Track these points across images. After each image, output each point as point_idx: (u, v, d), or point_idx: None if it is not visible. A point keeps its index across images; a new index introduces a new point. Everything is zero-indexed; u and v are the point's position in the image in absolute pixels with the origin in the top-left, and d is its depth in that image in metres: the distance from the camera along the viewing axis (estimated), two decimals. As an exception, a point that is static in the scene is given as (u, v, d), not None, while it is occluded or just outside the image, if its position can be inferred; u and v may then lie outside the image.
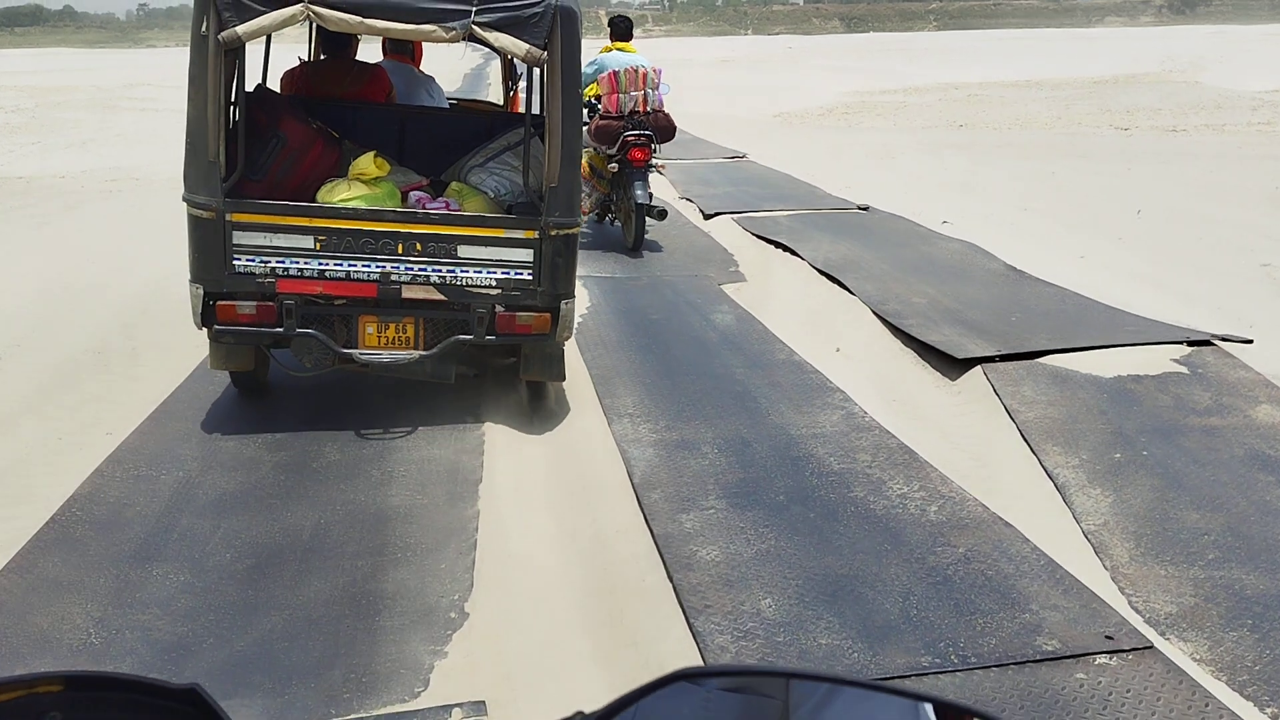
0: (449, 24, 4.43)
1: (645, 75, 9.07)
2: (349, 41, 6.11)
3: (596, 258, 9.25)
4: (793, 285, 8.16)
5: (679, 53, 52.89)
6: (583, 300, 7.74)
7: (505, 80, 7.76)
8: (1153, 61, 39.07)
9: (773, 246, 9.19)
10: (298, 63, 6.23)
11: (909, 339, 6.51)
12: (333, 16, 4.37)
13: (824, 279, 8.00)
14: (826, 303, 7.57)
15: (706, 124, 22.52)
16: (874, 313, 7.04)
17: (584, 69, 9.11)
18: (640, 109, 9.07)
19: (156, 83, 36.40)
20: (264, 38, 4.95)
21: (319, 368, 4.97)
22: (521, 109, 5.93)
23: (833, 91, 32.24)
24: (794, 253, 8.77)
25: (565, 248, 4.78)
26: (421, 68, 6.90)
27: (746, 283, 8.48)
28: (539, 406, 5.65)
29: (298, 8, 4.34)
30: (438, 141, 5.77)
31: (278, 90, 5.79)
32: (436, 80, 6.93)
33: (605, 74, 9.03)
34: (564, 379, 5.53)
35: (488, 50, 4.98)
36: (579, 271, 7.95)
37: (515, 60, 8.20)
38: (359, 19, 4.38)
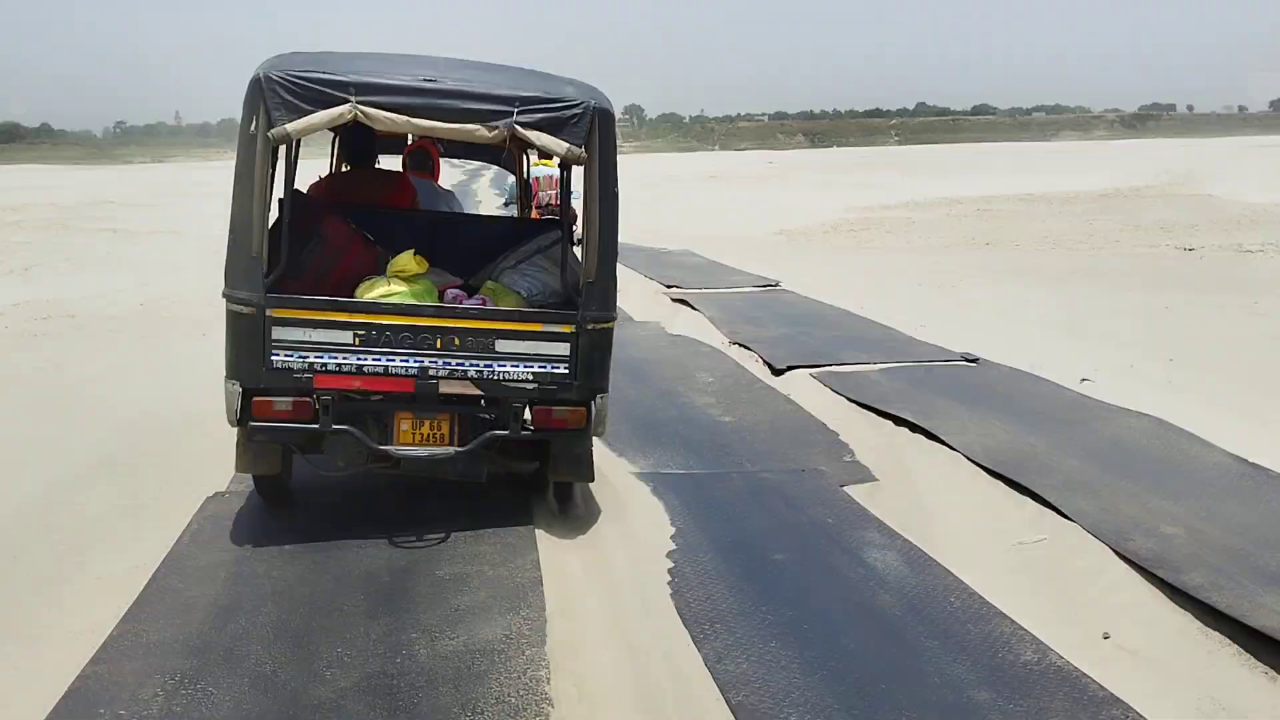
0: (492, 124, 4.43)
1: (555, 179, 11.64)
2: (372, 151, 6.25)
3: (657, 433, 6.81)
4: (952, 492, 5.70)
5: (662, 169, 51.62)
6: (662, 521, 5.29)
7: (520, 195, 7.86)
8: (1146, 175, 37.81)
9: (889, 421, 6.78)
10: (317, 178, 6.05)
11: (1208, 610, 4.06)
12: (381, 116, 4.35)
13: (998, 482, 5.57)
14: (1027, 532, 5.10)
15: (715, 245, 20.43)
16: (1118, 554, 4.58)
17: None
18: (553, 203, 13.61)
19: (121, 200, 34.20)
20: (293, 145, 4.75)
21: (352, 467, 4.78)
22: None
23: (831, 207, 30.45)
24: (930, 434, 6.37)
25: (602, 341, 4.73)
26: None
27: (879, 484, 6.00)
28: (569, 510, 5.32)
29: (346, 107, 4.32)
30: (467, 246, 5.60)
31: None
32: (455, 195, 6.85)
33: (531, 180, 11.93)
34: (593, 479, 5.27)
35: (474, 166, 7.36)
36: (642, 467, 6.32)
37: (538, 171, 8.80)
38: (406, 119, 4.37)
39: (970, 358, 8.75)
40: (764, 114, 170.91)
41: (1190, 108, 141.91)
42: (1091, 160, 50.91)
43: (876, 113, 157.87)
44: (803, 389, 8.01)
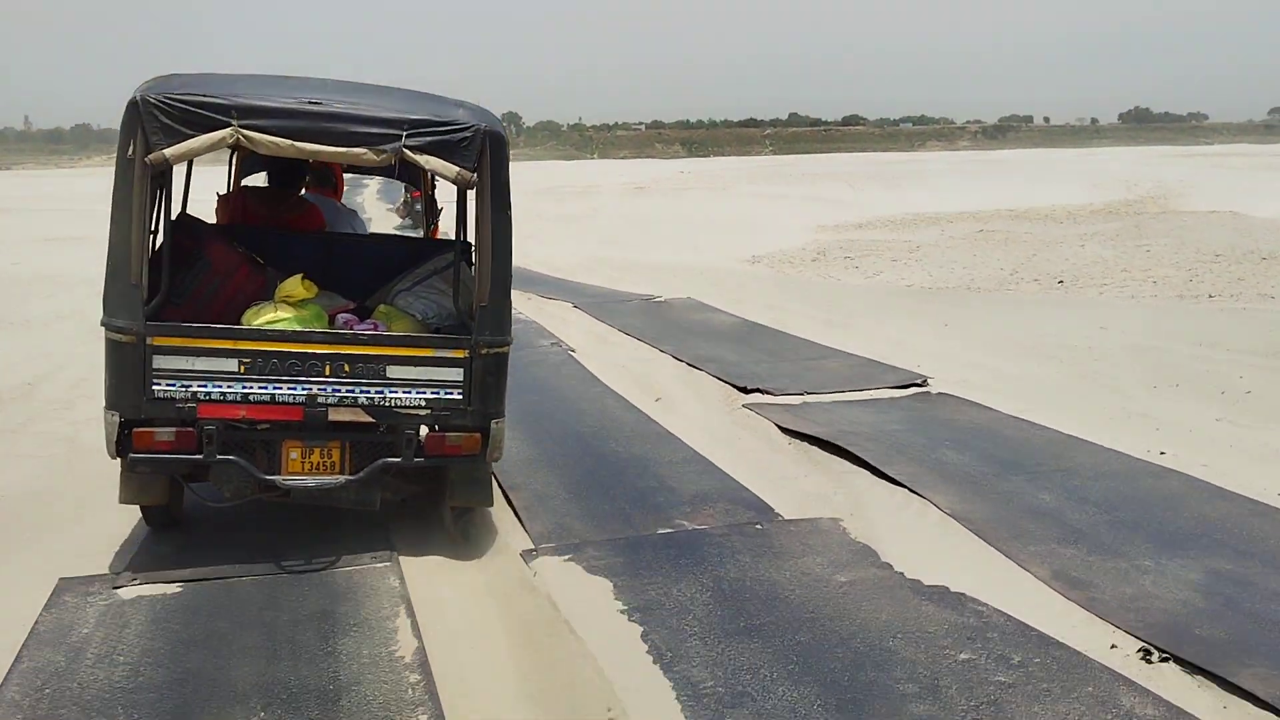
0: (380, 147, 4.16)
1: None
2: (299, 178, 5.77)
3: None
4: None
5: (578, 179, 45.12)
6: None
7: (426, 212, 7.06)
8: (1113, 188, 33.24)
9: None
10: (216, 195, 5.66)
11: None
12: (263, 140, 4.06)
13: None
14: None
15: (704, 284, 14.45)
16: None
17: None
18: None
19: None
20: (185, 164, 4.70)
21: (238, 497, 4.42)
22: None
23: (796, 226, 24.65)
24: None
25: (496, 366, 4.40)
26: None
27: None
28: (467, 533, 4.83)
29: (227, 131, 4.02)
30: (364, 268, 5.14)
31: (210, 216, 5.36)
32: (359, 214, 6.60)
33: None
34: (491, 503, 4.87)
35: (352, 177, 5.00)
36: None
37: (434, 192, 7.09)
38: (290, 142, 4.08)
39: None
40: (641, 123, 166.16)
41: (1047, 119, 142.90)
42: (1017, 169, 46.52)
43: (751, 122, 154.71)
44: None
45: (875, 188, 33.87)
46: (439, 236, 7.16)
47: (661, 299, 12.90)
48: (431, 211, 7.05)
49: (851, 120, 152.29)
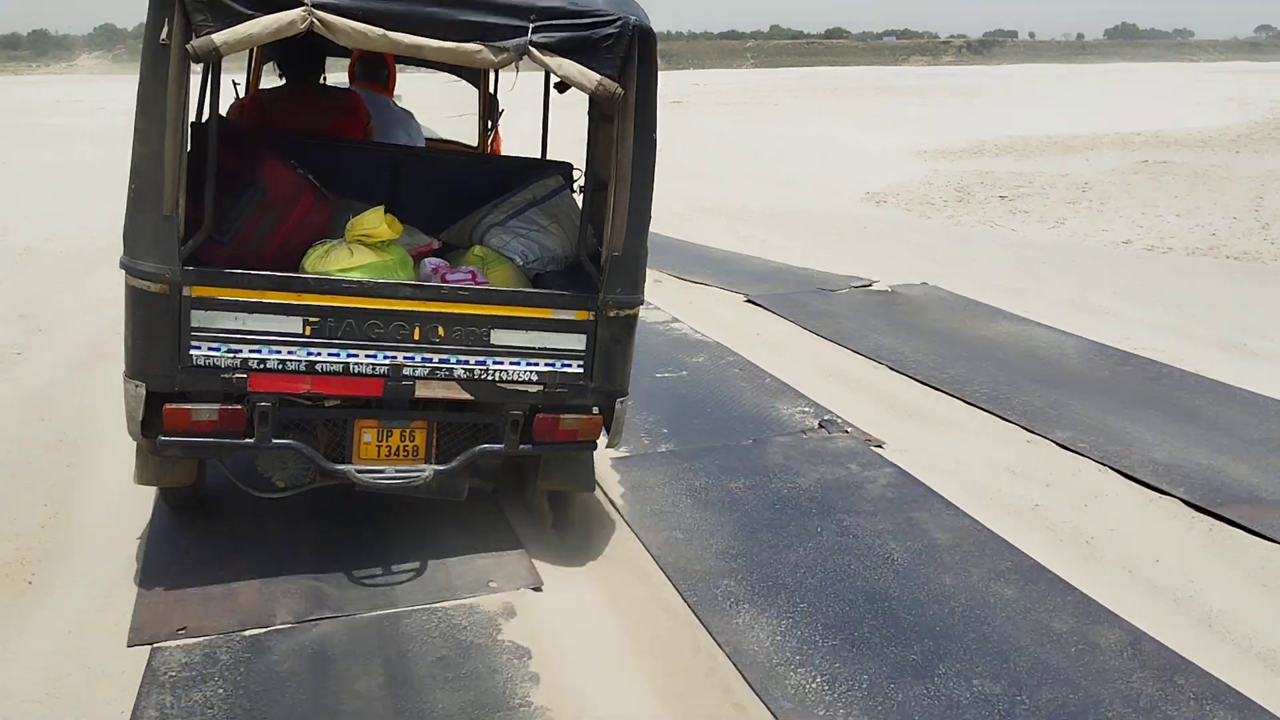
0: (499, 44, 2.93)
1: None
2: (319, 64, 4.27)
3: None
4: None
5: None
6: None
7: (483, 116, 5.40)
8: (1226, 109, 28.29)
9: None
10: (233, 91, 4.39)
11: None
12: (344, 26, 2.83)
13: None
14: None
15: (906, 250, 9.58)
16: None
17: None
18: None
19: None
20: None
21: (294, 486, 3.28)
22: (502, 152, 5.38)
23: (890, 152, 19.69)
24: None
25: (625, 333, 3.31)
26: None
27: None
28: (564, 521, 3.81)
29: (297, 13, 2.78)
30: (440, 192, 3.90)
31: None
32: (415, 117, 4.94)
33: None
34: (593, 489, 3.86)
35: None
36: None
37: (495, 91, 5.38)
38: (380, 32, 2.84)
39: None
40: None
41: (1032, 34, 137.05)
42: (1081, 86, 41.27)
43: (732, 34, 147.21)
44: None
45: (950, 105, 28.73)
46: (501, 148, 5.47)
47: (883, 287, 8.03)
48: (492, 113, 5.26)
49: (835, 33, 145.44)
